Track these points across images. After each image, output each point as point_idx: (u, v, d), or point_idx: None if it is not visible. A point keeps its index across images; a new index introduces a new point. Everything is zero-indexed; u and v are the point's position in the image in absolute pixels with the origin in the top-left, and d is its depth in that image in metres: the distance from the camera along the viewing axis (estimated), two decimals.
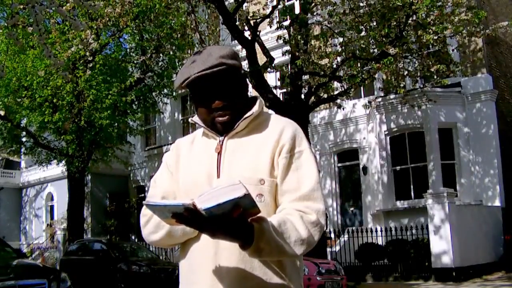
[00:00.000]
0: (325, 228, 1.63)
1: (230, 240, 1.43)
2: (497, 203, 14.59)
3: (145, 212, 1.71)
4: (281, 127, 1.65)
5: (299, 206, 1.56)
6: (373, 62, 11.33)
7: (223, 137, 1.67)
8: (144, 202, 1.48)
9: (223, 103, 1.62)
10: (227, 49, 1.67)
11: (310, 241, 1.54)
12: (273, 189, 1.59)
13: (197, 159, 1.69)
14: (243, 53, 12.44)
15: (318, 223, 1.55)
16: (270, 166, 1.60)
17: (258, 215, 1.42)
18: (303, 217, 1.54)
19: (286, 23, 12.35)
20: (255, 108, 1.68)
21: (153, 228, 1.69)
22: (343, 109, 14.82)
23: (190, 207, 1.34)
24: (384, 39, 11.03)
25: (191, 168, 1.68)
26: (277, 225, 1.47)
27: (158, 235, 1.68)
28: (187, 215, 1.37)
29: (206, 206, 1.32)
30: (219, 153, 1.65)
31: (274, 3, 12.33)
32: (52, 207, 27.30)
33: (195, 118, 1.74)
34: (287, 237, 1.49)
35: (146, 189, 22.68)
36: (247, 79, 1.85)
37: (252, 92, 13.63)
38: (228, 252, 1.55)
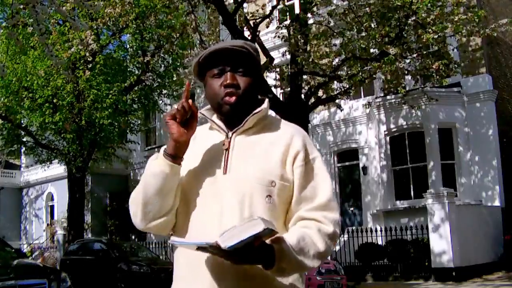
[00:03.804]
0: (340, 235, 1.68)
1: (253, 264, 1.47)
2: (497, 203, 14.60)
3: (132, 201, 1.69)
4: (291, 132, 1.67)
5: (316, 215, 1.59)
6: (373, 62, 11.34)
7: (231, 133, 1.66)
8: (169, 241, 1.52)
9: (235, 80, 1.63)
10: (245, 42, 1.69)
11: (327, 253, 1.59)
12: (282, 193, 1.60)
13: (202, 151, 1.68)
14: None
15: (334, 234, 1.59)
16: (281, 169, 1.60)
17: (277, 235, 1.47)
18: (320, 229, 1.57)
19: (286, 23, 12.35)
20: (264, 106, 1.69)
21: (141, 216, 1.67)
22: (342, 110, 14.83)
23: (214, 245, 1.40)
24: (384, 39, 11.03)
25: (195, 163, 1.66)
26: (296, 242, 1.51)
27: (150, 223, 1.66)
28: (212, 250, 1.43)
29: (229, 245, 1.38)
30: (227, 149, 1.64)
31: (274, 3, 12.34)
32: (52, 207, 27.30)
33: (204, 111, 1.74)
34: (306, 252, 1.52)
35: None
36: (261, 82, 1.84)
37: None
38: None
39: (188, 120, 1.60)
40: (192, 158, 1.67)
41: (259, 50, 12.24)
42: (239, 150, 1.64)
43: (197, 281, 1.58)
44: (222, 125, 1.68)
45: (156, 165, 1.61)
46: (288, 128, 1.69)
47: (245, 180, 1.58)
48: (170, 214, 1.64)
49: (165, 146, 1.66)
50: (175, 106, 1.59)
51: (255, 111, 1.66)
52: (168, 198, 1.61)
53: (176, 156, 1.60)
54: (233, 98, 1.63)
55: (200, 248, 1.46)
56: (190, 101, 1.58)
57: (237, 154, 1.63)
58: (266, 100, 1.72)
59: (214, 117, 1.71)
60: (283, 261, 1.47)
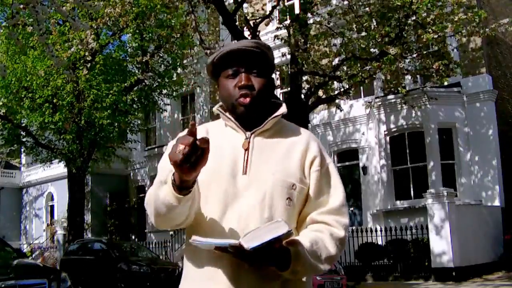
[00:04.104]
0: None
1: (269, 265, 1.49)
2: (497, 203, 14.60)
3: (147, 202, 1.61)
4: (307, 137, 1.71)
5: (328, 219, 1.63)
6: (373, 62, 11.34)
7: (250, 134, 1.66)
8: (190, 240, 1.48)
9: (250, 81, 1.62)
10: (260, 42, 1.70)
11: (337, 256, 1.64)
12: (300, 195, 1.63)
13: (217, 150, 1.59)
14: None
15: (344, 239, 1.64)
16: (300, 173, 1.63)
17: (292, 237, 1.50)
18: (332, 234, 1.61)
19: (286, 23, 12.35)
20: (283, 109, 1.70)
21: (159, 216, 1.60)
22: (341, 110, 14.83)
23: (236, 245, 1.41)
24: (384, 39, 11.03)
25: (214, 158, 1.53)
26: (310, 246, 1.54)
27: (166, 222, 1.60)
28: (232, 251, 1.44)
29: (253, 246, 1.39)
30: (247, 150, 1.63)
31: (274, 3, 12.34)
32: (52, 207, 27.31)
33: (220, 108, 1.71)
34: (319, 256, 1.56)
35: (146, 188, 22.65)
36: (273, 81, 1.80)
37: None
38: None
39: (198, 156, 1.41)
40: (210, 156, 1.56)
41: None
42: (258, 151, 1.64)
43: (212, 279, 1.55)
44: (239, 125, 1.67)
45: (165, 195, 1.49)
46: (304, 134, 1.72)
47: (266, 181, 1.59)
48: (185, 222, 1.60)
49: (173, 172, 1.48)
50: (180, 147, 1.37)
51: (276, 114, 1.68)
52: (182, 215, 1.55)
53: (185, 188, 1.47)
54: (248, 99, 1.62)
55: (218, 248, 1.46)
56: (202, 138, 1.40)
57: (257, 155, 1.63)
58: (284, 104, 1.73)
59: (230, 116, 1.69)
60: (298, 264, 1.50)
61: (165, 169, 1.57)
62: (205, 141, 1.39)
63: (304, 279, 1.63)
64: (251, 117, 1.65)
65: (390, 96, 15.38)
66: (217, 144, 1.62)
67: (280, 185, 1.59)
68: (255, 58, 1.64)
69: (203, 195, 1.59)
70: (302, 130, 1.75)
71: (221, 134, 1.69)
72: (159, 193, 1.52)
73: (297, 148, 1.66)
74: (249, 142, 1.64)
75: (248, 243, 1.39)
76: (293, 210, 1.62)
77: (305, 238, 1.56)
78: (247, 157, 1.62)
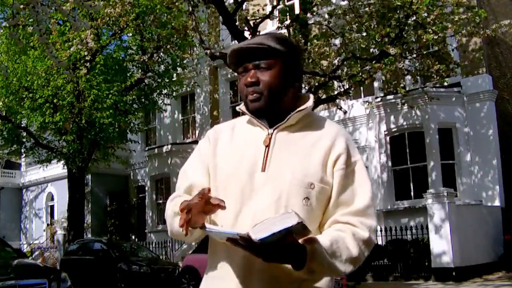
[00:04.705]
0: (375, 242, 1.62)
1: (283, 263, 1.43)
2: (497, 203, 14.60)
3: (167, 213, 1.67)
4: (335, 132, 1.62)
5: (352, 220, 1.55)
6: (373, 62, 11.34)
7: (272, 130, 1.62)
8: (205, 229, 1.47)
9: (254, 79, 1.60)
10: (278, 34, 1.66)
11: (361, 259, 1.56)
12: (321, 195, 1.55)
13: (240, 148, 1.63)
14: None
15: (370, 241, 1.57)
16: (322, 172, 1.56)
17: (310, 235, 1.44)
18: (355, 234, 1.53)
19: (286, 23, 12.35)
20: (309, 103, 1.65)
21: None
22: (343, 111, 14.83)
23: (245, 236, 1.36)
24: (384, 39, 11.03)
25: (232, 157, 1.62)
26: (329, 245, 1.47)
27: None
28: (242, 242, 1.38)
29: (260, 237, 1.34)
30: (267, 146, 1.60)
31: (274, 3, 12.34)
32: (52, 207, 27.32)
33: (242, 106, 1.70)
34: (339, 256, 1.49)
35: (146, 188, 22.67)
36: (302, 74, 1.74)
37: None
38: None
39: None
40: (231, 152, 1.64)
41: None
42: (279, 148, 1.59)
43: (222, 281, 1.56)
44: (262, 121, 1.64)
45: (178, 227, 1.50)
46: (331, 129, 1.64)
47: (283, 179, 1.54)
48: (201, 237, 1.62)
49: (182, 199, 1.55)
50: (195, 200, 1.45)
51: (300, 108, 1.62)
52: (196, 237, 1.59)
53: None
54: (254, 95, 1.60)
55: (230, 239, 1.42)
56: (214, 200, 1.46)
57: (277, 152, 1.59)
58: (311, 97, 1.68)
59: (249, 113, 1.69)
60: (315, 263, 1.43)
61: (186, 177, 1.69)
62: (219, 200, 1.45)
63: (321, 284, 1.56)
64: (264, 112, 1.62)
65: (390, 96, 15.38)
66: (240, 141, 1.64)
67: (297, 184, 1.53)
68: (261, 53, 1.60)
69: (222, 193, 1.58)
70: (332, 125, 1.67)
71: (246, 130, 1.67)
72: (173, 222, 1.60)
73: (321, 145, 1.58)
74: (270, 138, 1.61)
75: (256, 234, 1.34)
76: (312, 211, 1.55)
77: (325, 237, 1.50)
78: (267, 154, 1.59)
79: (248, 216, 1.54)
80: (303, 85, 12.54)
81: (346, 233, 1.53)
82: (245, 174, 1.57)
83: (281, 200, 1.53)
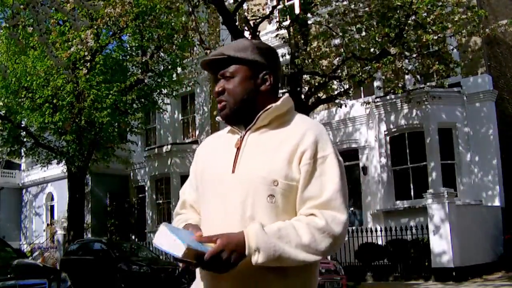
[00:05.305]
0: (344, 239, 1.59)
1: (235, 264, 1.47)
2: (497, 203, 14.60)
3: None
4: (304, 129, 1.62)
5: (314, 211, 1.54)
6: (373, 62, 11.34)
7: (244, 132, 1.67)
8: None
9: (219, 89, 1.69)
10: (239, 42, 1.72)
11: (316, 248, 1.49)
12: (287, 192, 1.56)
13: (216, 154, 1.71)
14: None
15: (326, 230, 1.50)
16: (286, 168, 1.56)
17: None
18: (310, 223, 1.51)
19: (286, 23, 12.36)
20: (277, 103, 1.67)
21: None
22: (346, 106, 14.77)
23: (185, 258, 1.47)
24: (384, 39, 11.03)
25: (210, 163, 1.70)
26: (276, 229, 1.48)
27: None
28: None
29: (155, 243, 1.50)
30: (238, 148, 1.64)
31: (274, 3, 12.34)
32: (52, 207, 27.31)
33: (219, 117, 1.78)
34: (288, 242, 1.47)
35: (146, 188, 22.69)
36: (273, 74, 1.74)
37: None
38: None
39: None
40: (207, 161, 1.72)
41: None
42: (249, 149, 1.63)
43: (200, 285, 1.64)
44: (238, 127, 1.70)
45: None
46: (303, 125, 1.64)
47: (249, 179, 1.57)
48: None
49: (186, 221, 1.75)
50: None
51: (266, 108, 1.65)
52: None
53: None
54: (221, 104, 1.68)
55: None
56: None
57: (247, 153, 1.62)
58: (284, 97, 1.70)
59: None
60: (253, 240, 1.45)
61: (182, 192, 1.83)
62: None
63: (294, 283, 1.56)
64: (232, 118, 1.68)
65: (390, 96, 15.38)
66: (220, 148, 1.71)
67: (261, 182, 1.55)
68: (225, 63, 1.67)
69: (203, 199, 1.67)
70: (305, 121, 1.67)
71: (226, 137, 1.74)
72: None
73: (289, 142, 1.59)
74: (241, 141, 1.65)
75: (155, 240, 1.51)
76: (277, 208, 1.55)
77: (273, 224, 1.51)
78: (237, 155, 1.63)
79: (219, 217, 1.60)
80: (303, 85, 12.53)
81: (300, 221, 1.52)
82: (217, 177, 1.63)
83: (248, 199, 1.56)
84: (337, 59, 12.54)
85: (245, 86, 1.66)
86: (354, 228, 15.28)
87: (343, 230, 1.54)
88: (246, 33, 12.04)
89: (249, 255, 1.46)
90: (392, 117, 15.85)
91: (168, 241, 1.46)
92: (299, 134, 1.60)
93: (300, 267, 1.53)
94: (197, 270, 1.68)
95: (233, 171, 1.60)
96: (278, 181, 1.55)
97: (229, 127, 1.75)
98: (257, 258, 1.46)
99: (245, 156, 1.62)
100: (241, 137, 1.66)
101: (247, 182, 1.57)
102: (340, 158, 1.63)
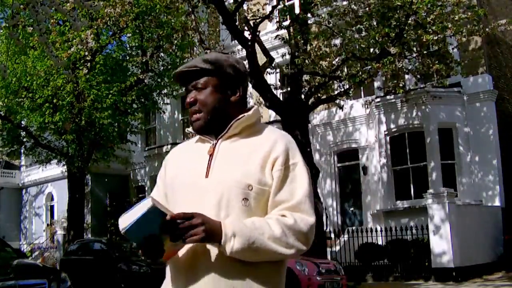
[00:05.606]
0: (311, 240, 1.67)
1: (203, 242, 1.55)
2: (497, 203, 14.60)
3: None
4: (274, 137, 1.70)
5: (284, 212, 1.62)
6: (373, 62, 11.33)
7: (216, 140, 1.73)
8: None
9: (191, 100, 1.74)
10: (211, 54, 1.79)
11: (287, 242, 1.57)
12: (259, 196, 1.63)
13: (188, 161, 1.76)
14: (243, 53, 12.44)
15: (295, 228, 1.59)
16: (260, 174, 1.64)
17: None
18: (279, 219, 1.59)
19: (286, 23, 12.35)
20: (249, 113, 1.74)
21: None
22: (344, 108, 14.80)
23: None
24: (384, 39, 11.03)
25: (180, 170, 1.75)
26: (251, 222, 1.57)
27: None
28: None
29: (125, 228, 1.52)
30: (211, 155, 1.70)
31: (274, 3, 12.34)
32: (52, 207, 27.31)
33: (190, 128, 1.83)
34: (262, 233, 1.55)
35: (146, 188, 22.69)
36: (242, 86, 1.77)
37: (252, 92, 13.63)
38: (205, 257, 1.61)
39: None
40: (178, 168, 1.77)
41: (259, 49, 12.23)
42: (222, 155, 1.70)
43: (173, 285, 1.68)
44: (209, 136, 1.75)
45: None
46: (272, 135, 1.73)
47: (224, 183, 1.63)
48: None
49: None
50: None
51: (237, 118, 1.72)
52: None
53: None
54: (194, 116, 1.74)
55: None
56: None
57: (220, 159, 1.69)
58: (254, 108, 1.77)
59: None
60: (229, 228, 1.53)
61: (156, 190, 1.86)
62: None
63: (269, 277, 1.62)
64: (206, 128, 1.74)
65: (390, 96, 15.38)
66: (190, 156, 1.77)
67: (235, 185, 1.61)
68: (196, 75, 1.74)
69: (174, 204, 1.70)
70: (275, 132, 1.76)
71: (195, 145, 1.79)
72: None
73: (261, 149, 1.67)
74: (214, 148, 1.71)
75: (122, 226, 1.53)
76: (251, 211, 1.62)
77: (247, 219, 1.59)
78: (210, 162, 1.69)
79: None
80: (303, 85, 12.52)
81: (271, 219, 1.61)
82: (191, 182, 1.68)
83: (222, 202, 1.62)
84: (337, 59, 12.53)
85: (216, 96, 1.73)
86: (354, 228, 15.29)
87: (311, 231, 1.62)
88: (246, 33, 12.03)
89: (224, 243, 1.53)
90: (392, 117, 15.85)
91: (132, 214, 1.52)
92: (271, 142, 1.69)
93: (270, 267, 1.63)
94: (167, 270, 1.72)
95: (206, 176, 1.66)
96: (252, 186, 1.63)
97: (197, 137, 1.81)
98: (233, 244, 1.53)
99: (219, 162, 1.68)
100: (213, 144, 1.72)
101: (222, 185, 1.63)
102: (307, 166, 1.72)
